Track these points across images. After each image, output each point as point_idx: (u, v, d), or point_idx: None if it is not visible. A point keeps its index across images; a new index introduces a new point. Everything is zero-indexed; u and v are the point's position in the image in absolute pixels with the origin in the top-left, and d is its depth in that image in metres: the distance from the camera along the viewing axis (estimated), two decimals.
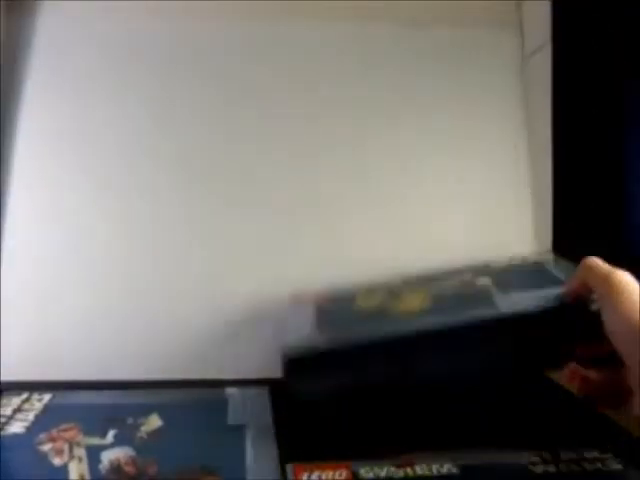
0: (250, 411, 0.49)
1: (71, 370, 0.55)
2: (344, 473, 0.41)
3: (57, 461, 0.41)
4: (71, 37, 0.62)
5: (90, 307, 0.58)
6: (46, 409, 0.49)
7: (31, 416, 0.47)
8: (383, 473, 0.41)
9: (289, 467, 0.42)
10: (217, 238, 0.61)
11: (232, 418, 0.48)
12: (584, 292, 0.40)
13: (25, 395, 0.51)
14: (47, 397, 0.51)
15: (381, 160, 0.64)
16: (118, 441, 0.44)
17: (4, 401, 0.50)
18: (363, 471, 0.41)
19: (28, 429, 0.45)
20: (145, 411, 0.49)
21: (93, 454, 0.42)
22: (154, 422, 0.47)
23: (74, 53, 0.62)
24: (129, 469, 0.40)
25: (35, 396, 0.51)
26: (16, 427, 0.46)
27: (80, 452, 0.42)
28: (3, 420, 0.46)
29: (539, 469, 0.41)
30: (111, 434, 0.45)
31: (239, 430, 0.46)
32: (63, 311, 0.58)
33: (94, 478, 0.39)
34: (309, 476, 0.41)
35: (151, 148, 0.62)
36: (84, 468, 0.40)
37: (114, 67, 0.63)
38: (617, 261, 0.62)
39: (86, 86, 0.62)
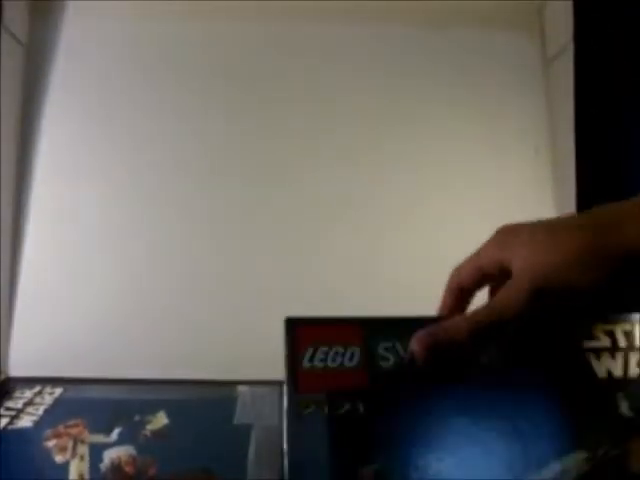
0: (258, 410, 0.48)
1: (84, 367, 0.55)
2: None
3: (59, 458, 0.41)
4: (95, 38, 0.62)
5: (103, 306, 0.58)
6: (56, 403, 0.49)
7: (41, 410, 0.47)
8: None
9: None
10: (232, 239, 0.60)
11: (239, 417, 0.47)
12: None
13: (37, 388, 0.51)
14: (58, 391, 0.51)
15: (396, 163, 0.62)
16: (122, 439, 0.43)
17: (17, 394, 0.50)
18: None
19: (36, 423, 0.45)
20: (153, 408, 0.48)
21: (96, 452, 0.42)
22: (160, 420, 0.46)
23: (99, 54, 0.62)
24: (129, 469, 0.40)
25: (47, 389, 0.51)
26: (25, 421, 0.46)
27: (83, 450, 0.42)
28: (13, 413, 0.47)
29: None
30: (116, 432, 0.44)
31: (245, 430, 0.45)
32: (77, 310, 0.58)
33: (93, 477, 0.39)
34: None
35: (172, 150, 0.61)
36: (84, 467, 0.40)
37: (137, 68, 0.62)
38: None
39: (111, 87, 0.61)
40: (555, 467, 0.29)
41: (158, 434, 0.45)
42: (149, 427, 0.45)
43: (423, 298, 0.59)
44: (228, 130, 0.62)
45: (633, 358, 0.32)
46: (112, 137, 0.61)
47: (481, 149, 0.63)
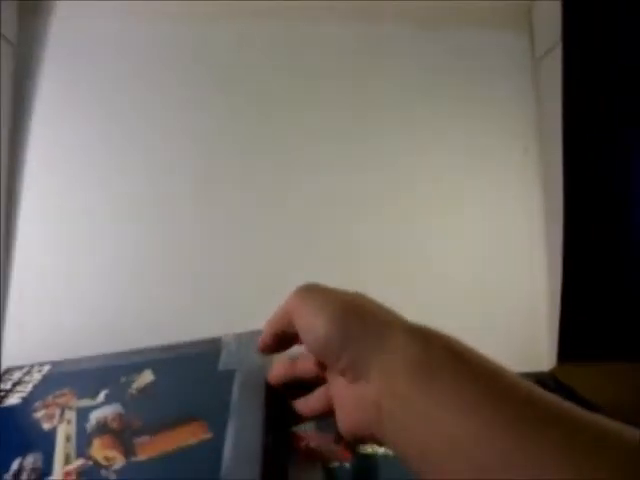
0: (243, 355, 0.48)
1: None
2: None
3: (47, 426, 0.41)
4: (85, 38, 0.62)
5: (97, 300, 0.60)
6: (44, 379, 0.49)
7: (29, 387, 0.48)
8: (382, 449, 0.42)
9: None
10: (230, 239, 0.62)
11: (223, 364, 0.47)
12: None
13: (26, 369, 0.51)
14: (46, 368, 0.51)
15: (387, 162, 0.65)
16: (108, 400, 0.44)
17: (6, 376, 0.51)
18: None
19: (25, 399, 0.46)
20: (139, 369, 0.48)
21: (83, 415, 0.42)
22: (146, 377, 0.47)
23: (87, 53, 0.62)
24: (115, 425, 0.40)
25: (35, 368, 0.51)
26: (13, 399, 0.46)
27: (70, 415, 0.42)
28: (2, 394, 0.47)
29: None
30: (103, 394, 0.45)
31: (229, 375, 0.45)
32: (71, 303, 0.59)
33: (80, 437, 0.39)
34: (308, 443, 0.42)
35: (165, 147, 0.62)
36: (71, 429, 0.40)
37: (126, 67, 0.63)
38: (622, 254, 0.62)
39: (100, 86, 0.62)
40: None
41: (144, 390, 0.45)
42: (135, 385, 0.46)
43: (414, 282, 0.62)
44: (221, 128, 0.63)
45: None
46: (102, 135, 0.62)
47: (470, 149, 0.65)
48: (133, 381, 0.46)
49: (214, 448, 0.36)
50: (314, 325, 0.30)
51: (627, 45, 0.61)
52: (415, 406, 0.25)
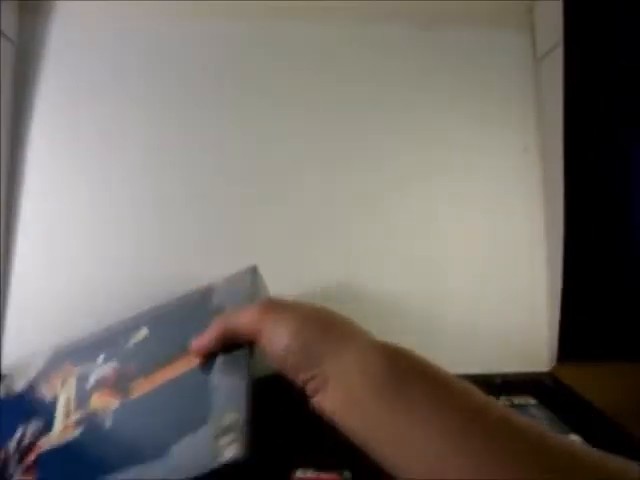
0: (231, 292, 0.47)
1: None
2: None
3: (49, 396, 0.41)
4: (86, 37, 0.62)
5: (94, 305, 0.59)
6: (48, 362, 0.49)
7: (33, 372, 0.48)
8: None
9: None
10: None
11: (213, 303, 0.47)
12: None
13: (29, 357, 0.51)
14: (49, 353, 0.51)
15: (388, 162, 0.64)
16: (106, 360, 0.43)
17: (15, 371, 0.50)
18: None
19: (30, 383, 0.46)
20: (135, 329, 0.48)
21: (83, 378, 0.42)
22: (142, 334, 0.46)
23: (89, 53, 0.62)
24: (110, 378, 0.40)
25: (39, 355, 0.51)
26: (19, 385, 0.46)
27: (72, 381, 0.42)
28: (8, 383, 0.47)
29: None
30: (102, 357, 0.44)
31: (218, 310, 0.45)
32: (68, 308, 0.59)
33: (79, 396, 0.39)
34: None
35: (164, 147, 0.62)
36: (72, 393, 0.40)
37: (125, 66, 0.62)
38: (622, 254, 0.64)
39: (99, 85, 0.62)
40: None
41: (140, 343, 0.44)
42: (132, 341, 0.45)
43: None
44: (221, 127, 0.62)
45: None
46: (103, 134, 0.61)
47: (470, 148, 0.63)
48: (130, 338, 0.46)
49: (203, 372, 0.36)
50: (276, 338, 0.30)
51: (627, 45, 0.61)
52: (378, 419, 0.25)
